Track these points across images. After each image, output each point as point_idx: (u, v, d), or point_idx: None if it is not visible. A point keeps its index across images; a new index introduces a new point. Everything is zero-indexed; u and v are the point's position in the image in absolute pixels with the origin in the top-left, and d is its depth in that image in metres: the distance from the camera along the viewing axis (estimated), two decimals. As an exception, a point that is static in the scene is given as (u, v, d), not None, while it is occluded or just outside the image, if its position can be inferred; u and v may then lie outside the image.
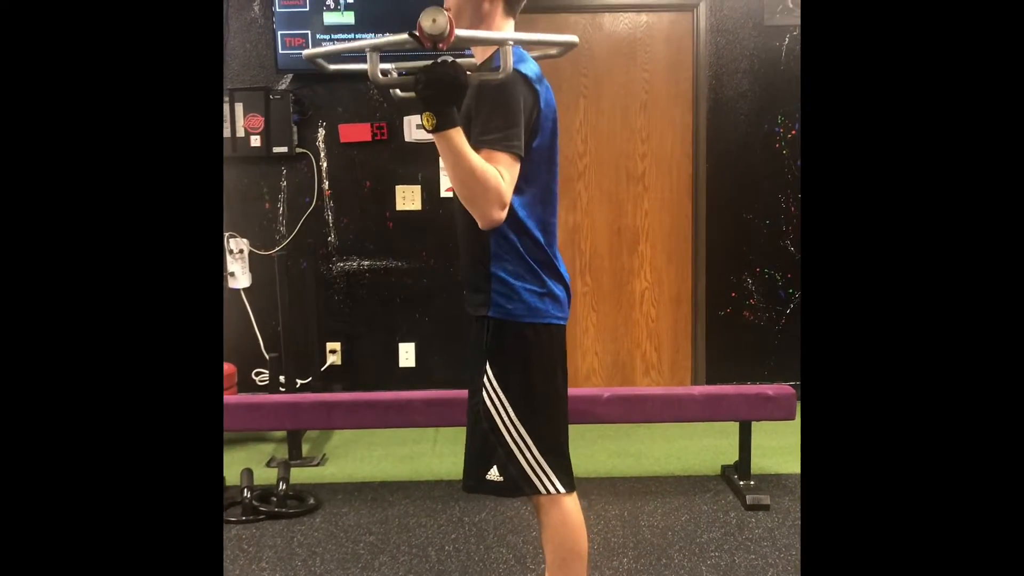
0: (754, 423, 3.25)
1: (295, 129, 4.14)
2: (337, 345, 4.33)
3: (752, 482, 3.21)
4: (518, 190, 1.77)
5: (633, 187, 4.37)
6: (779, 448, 3.64)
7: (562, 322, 1.89)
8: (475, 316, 1.88)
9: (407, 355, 4.32)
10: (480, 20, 1.82)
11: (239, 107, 4.06)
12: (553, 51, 1.97)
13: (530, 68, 1.78)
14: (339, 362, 4.34)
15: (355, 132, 4.18)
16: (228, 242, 4.21)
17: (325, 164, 4.22)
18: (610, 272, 4.42)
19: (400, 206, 4.24)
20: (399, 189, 4.23)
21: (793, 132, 4.24)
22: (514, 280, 1.82)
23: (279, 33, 4.01)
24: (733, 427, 3.31)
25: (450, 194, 4.14)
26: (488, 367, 1.84)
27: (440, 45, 1.56)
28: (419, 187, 4.22)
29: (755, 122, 4.25)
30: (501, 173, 1.66)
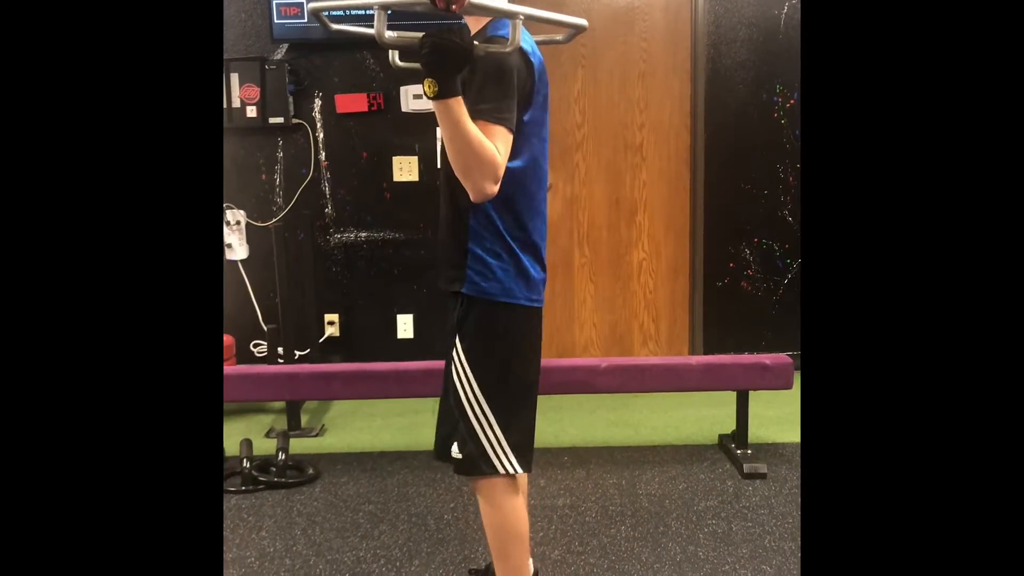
0: (751, 392, 3.27)
1: (291, 99, 4.11)
2: (335, 316, 4.33)
3: (749, 451, 3.23)
4: (510, 169, 1.75)
5: (631, 157, 4.35)
6: (776, 417, 3.66)
7: (536, 304, 1.88)
8: (448, 291, 1.87)
9: (405, 326, 4.32)
10: None
11: (235, 77, 4.04)
12: (559, 36, 1.95)
13: (526, 39, 1.76)
14: (337, 333, 4.34)
15: (352, 102, 4.15)
16: (225, 214, 4.20)
17: (322, 135, 4.20)
18: (608, 243, 4.41)
19: (397, 177, 4.22)
20: (396, 160, 4.21)
21: (792, 102, 4.22)
22: (491, 259, 1.80)
23: (274, 2, 3.97)
24: (730, 397, 3.32)
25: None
26: (457, 343, 1.84)
27: (453, 7, 1.52)
28: (416, 158, 4.20)
29: (754, 91, 4.23)
30: (497, 146, 1.64)
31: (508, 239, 1.80)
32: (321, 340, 4.32)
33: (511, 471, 1.84)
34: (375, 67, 4.14)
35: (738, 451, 3.24)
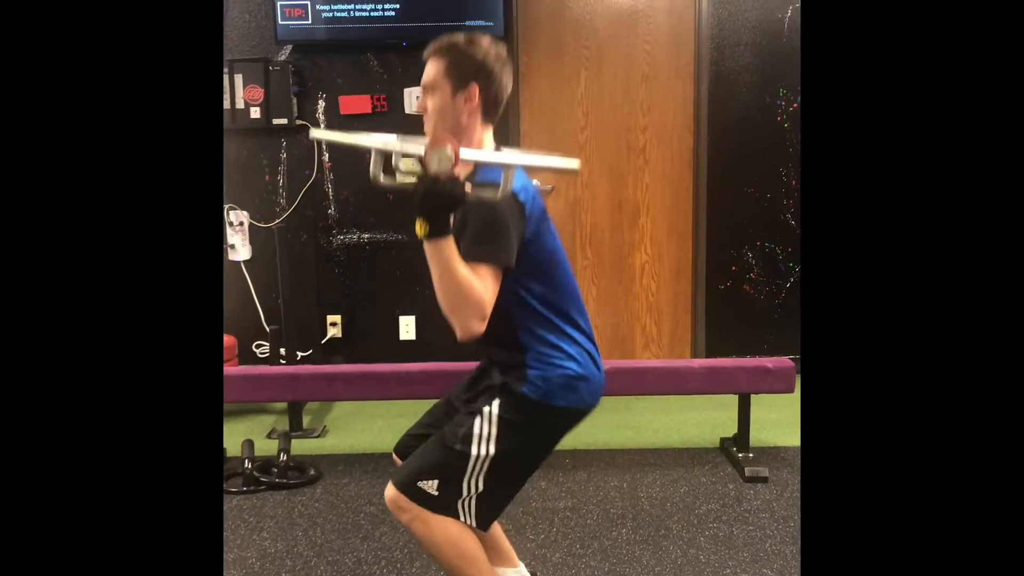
0: (753, 396, 3.26)
1: (295, 101, 4.12)
2: (337, 318, 4.33)
3: (751, 454, 3.23)
4: (534, 292, 1.80)
5: (634, 160, 4.35)
6: (778, 421, 3.65)
7: (590, 407, 1.90)
8: (502, 383, 1.85)
9: (407, 328, 4.33)
10: (460, 130, 1.83)
11: (239, 78, 4.04)
12: (548, 186, 1.98)
13: (522, 185, 1.77)
14: (339, 335, 4.34)
15: (355, 104, 4.16)
16: (228, 214, 4.21)
17: (325, 136, 4.20)
18: (610, 245, 4.41)
19: (401, 179, 4.21)
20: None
21: (795, 105, 4.22)
22: (548, 368, 1.82)
23: (278, 4, 3.97)
24: (732, 400, 3.32)
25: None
26: (495, 407, 1.81)
27: (446, 175, 1.56)
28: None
29: (757, 95, 4.23)
30: (485, 284, 1.66)
31: (566, 348, 1.84)
32: (323, 341, 4.32)
33: (463, 521, 1.81)
34: (379, 69, 4.15)
35: (740, 454, 3.23)
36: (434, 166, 1.54)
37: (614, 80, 4.30)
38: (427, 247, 1.61)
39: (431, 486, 1.77)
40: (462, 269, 1.62)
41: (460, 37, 1.84)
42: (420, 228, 1.58)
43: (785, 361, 3.22)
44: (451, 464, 1.78)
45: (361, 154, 4.18)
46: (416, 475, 1.80)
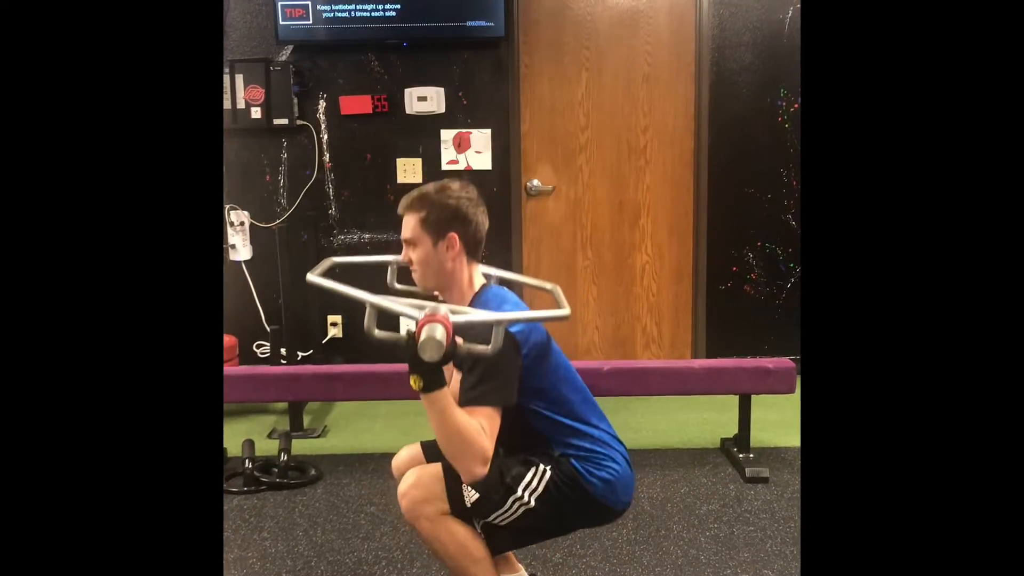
0: (754, 397, 3.26)
1: (296, 101, 4.12)
2: (338, 318, 4.33)
3: (751, 455, 3.23)
4: (547, 408, 1.88)
5: (635, 161, 4.35)
6: (778, 422, 3.65)
7: (623, 507, 1.97)
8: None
9: (408, 328, 4.32)
10: (446, 275, 1.91)
11: (239, 78, 4.04)
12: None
13: (523, 330, 1.82)
14: (340, 335, 4.34)
15: (356, 104, 4.16)
16: (229, 214, 4.21)
17: (326, 136, 4.21)
18: (611, 246, 4.41)
19: (401, 179, 4.22)
20: (400, 162, 4.21)
21: (796, 106, 4.22)
22: (591, 466, 1.89)
23: (279, 4, 3.97)
24: (733, 400, 3.32)
25: (452, 167, 4.14)
26: (549, 471, 1.87)
27: (438, 356, 1.63)
28: (420, 160, 4.20)
29: (757, 95, 4.23)
30: (483, 426, 1.72)
31: (596, 449, 1.90)
32: (324, 341, 4.32)
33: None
34: (379, 69, 4.15)
35: (740, 455, 3.23)
36: (427, 357, 1.61)
37: (615, 80, 4.30)
38: (423, 399, 1.68)
39: (471, 497, 1.82)
40: (460, 417, 1.69)
41: (431, 188, 1.92)
42: (414, 383, 1.66)
43: (785, 362, 3.22)
44: (497, 490, 1.83)
45: (362, 154, 4.19)
46: (461, 481, 1.84)
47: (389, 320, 2.04)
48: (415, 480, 1.84)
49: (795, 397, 3.31)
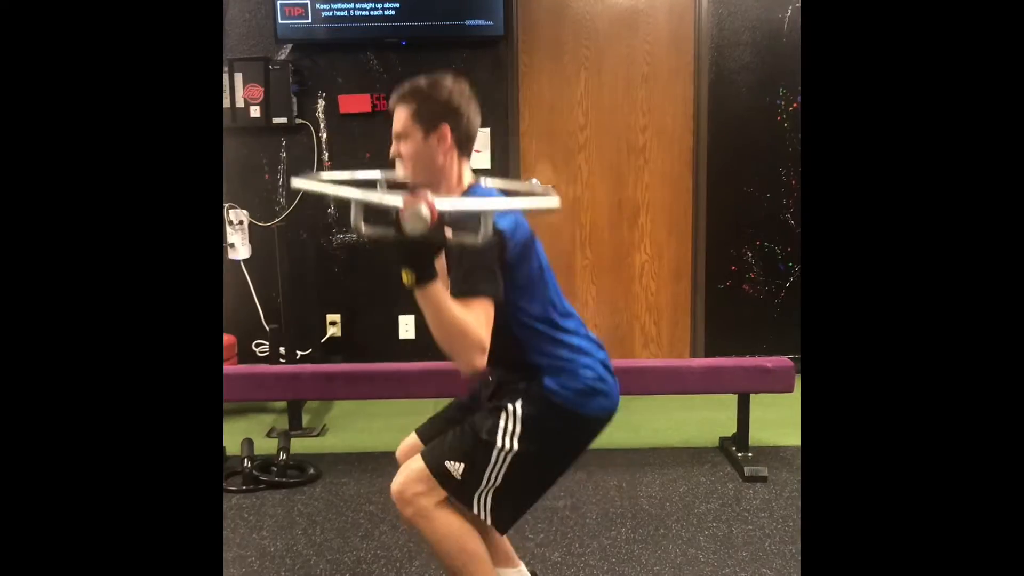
0: (752, 396, 3.27)
1: (295, 100, 4.12)
2: (337, 317, 4.33)
3: (750, 454, 3.23)
4: (528, 311, 1.83)
5: (634, 160, 4.35)
6: (777, 420, 3.65)
7: (609, 412, 1.92)
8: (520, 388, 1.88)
9: (407, 327, 4.33)
10: (437, 170, 1.88)
11: (238, 77, 4.04)
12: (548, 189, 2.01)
13: (509, 225, 1.79)
14: (339, 334, 4.34)
15: (355, 103, 4.16)
16: (228, 213, 4.21)
17: (325, 135, 4.21)
18: (610, 245, 4.42)
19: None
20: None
21: (795, 105, 4.22)
22: (561, 376, 1.85)
23: (278, 3, 3.97)
24: (731, 400, 3.32)
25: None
26: (518, 406, 1.83)
27: (425, 228, 1.58)
28: (419, 159, 4.19)
29: (757, 95, 4.23)
30: (478, 317, 1.69)
31: (571, 356, 1.86)
32: (323, 340, 4.32)
33: (477, 514, 1.83)
34: (378, 68, 4.15)
35: (739, 454, 3.23)
36: (409, 228, 1.57)
37: (614, 80, 4.30)
38: (417, 294, 1.64)
39: (457, 469, 1.80)
40: (454, 308, 1.66)
41: (422, 80, 1.90)
42: (406, 277, 1.62)
43: (784, 361, 3.22)
44: (477, 451, 1.81)
45: (361, 153, 4.19)
46: (446, 455, 1.83)
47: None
48: (404, 477, 1.83)
49: (794, 396, 3.31)
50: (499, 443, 1.80)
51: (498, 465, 1.81)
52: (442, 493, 1.81)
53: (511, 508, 1.87)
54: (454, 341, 1.67)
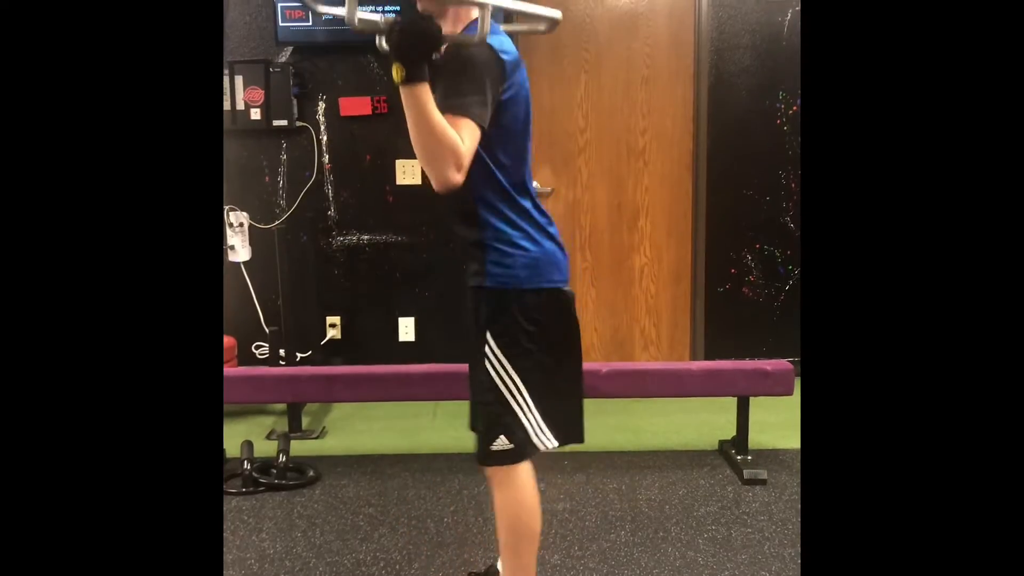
0: (752, 398, 3.27)
1: (295, 102, 4.12)
2: (337, 319, 4.33)
3: (749, 457, 3.23)
4: (499, 163, 1.81)
5: (634, 162, 4.36)
6: (777, 424, 3.65)
7: (561, 285, 1.92)
8: (472, 287, 1.91)
9: (407, 329, 4.33)
10: None
11: (239, 80, 4.04)
12: (541, 27, 1.99)
13: (504, 46, 1.78)
14: (339, 336, 4.34)
15: (355, 105, 4.16)
16: (228, 215, 4.21)
17: (325, 137, 4.21)
18: (610, 248, 4.42)
19: (400, 180, 4.23)
20: (399, 163, 4.22)
21: (795, 108, 4.22)
22: (507, 247, 1.85)
23: (279, 5, 3.97)
24: (731, 402, 3.32)
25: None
26: (489, 337, 1.86)
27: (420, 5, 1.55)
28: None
29: (756, 98, 4.23)
30: (462, 137, 1.64)
31: (521, 224, 1.86)
32: (323, 342, 4.32)
33: (548, 447, 1.92)
34: (379, 70, 4.15)
35: (738, 457, 3.23)
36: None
37: (614, 83, 4.30)
38: (403, 92, 1.59)
39: (502, 443, 1.86)
40: (438, 116, 1.61)
41: None
42: (396, 73, 1.57)
43: (784, 364, 3.22)
44: (499, 414, 1.86)
45: (361, 155, 4.19)
46: (487, 443, 1.89)
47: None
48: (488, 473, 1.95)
49: (793, 399, 3.31)
50: (502, 387, 1.85)
51: (520, 401, 1.87)
52: (519, 465, 1.90)
53: (564, 416, 1.97)
54: (432, 149, 1.63)
